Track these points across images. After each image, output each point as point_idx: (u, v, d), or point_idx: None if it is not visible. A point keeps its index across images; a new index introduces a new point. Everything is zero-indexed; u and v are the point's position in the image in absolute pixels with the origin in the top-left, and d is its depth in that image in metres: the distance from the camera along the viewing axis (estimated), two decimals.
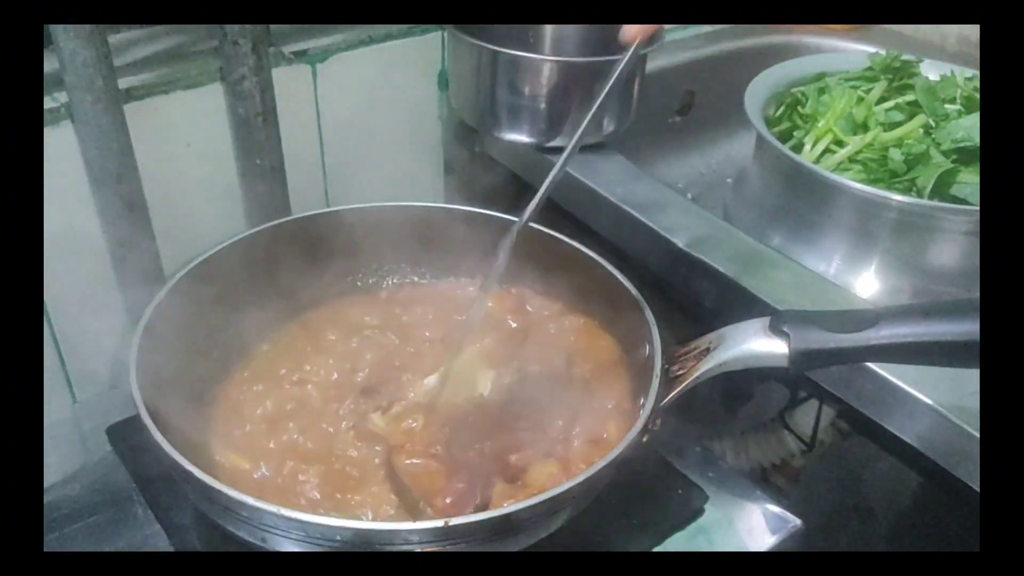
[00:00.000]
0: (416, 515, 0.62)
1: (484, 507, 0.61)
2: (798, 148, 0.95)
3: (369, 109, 1.00)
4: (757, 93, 0.97)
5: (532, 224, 0.79)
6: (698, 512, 0.71)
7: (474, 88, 0.95)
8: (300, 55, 0.92)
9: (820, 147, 0.94)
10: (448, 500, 0.61)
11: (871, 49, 1.17)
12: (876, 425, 0.70)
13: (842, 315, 0.62)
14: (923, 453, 0.67)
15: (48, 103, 0.77)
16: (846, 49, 1.23)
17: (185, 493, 0.63)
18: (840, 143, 0.94)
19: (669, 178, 1.20)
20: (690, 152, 1.26)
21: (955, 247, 0.84)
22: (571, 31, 1.04)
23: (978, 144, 0.86)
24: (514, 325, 0.79)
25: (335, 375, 0.73)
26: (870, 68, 1.01)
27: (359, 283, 0.84)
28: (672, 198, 0.91)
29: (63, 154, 0.78)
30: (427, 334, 0.78)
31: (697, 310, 0.83)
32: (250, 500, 0.53)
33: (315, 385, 0.72)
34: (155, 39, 0.87)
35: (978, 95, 0.94)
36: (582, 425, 0.68)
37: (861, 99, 0.96)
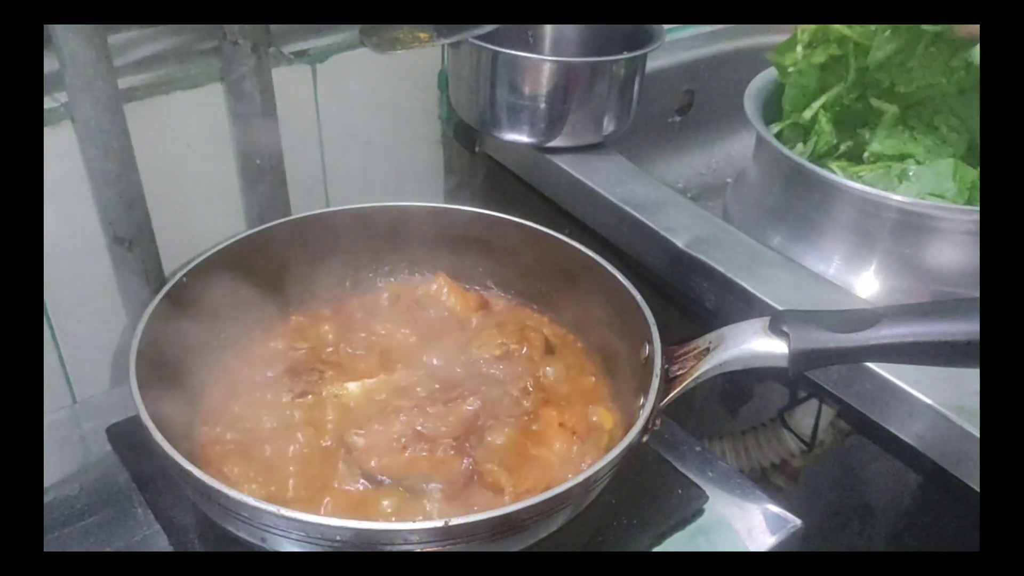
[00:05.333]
0: (422, 498, 0.63)
1: (473, 470, 0.64)
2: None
3: (369, 109, 1.00)
4: (757, 93, 0.98)
5: (531, 224, 0.80)
6: (698, 512, 0.71)
7: (474, 88, 0.95)
8: (300, 55, 0.92)
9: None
10: (441, 474, 0.63)
11: None
12: (876, 425, 0.70)
13: (842, 315, 0.62)
14: (923, 453, 0.67)
15: (48, 103, 0.77)
16: None
17: (185, 493, 0.63)
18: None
19: (669, 178, 1.20)
20: (690, 152, 1.26)
21: (955, 247, 0.84)
22: (571, 31, 1.04)
23: None
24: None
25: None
26: None
27: (358, 283, 0.84)
28: (672, 198, 0.91)
29: (63, 154, 0.78)
30: (373, 338, 0.78)
31: (697, 310, 0.83)
32: (250, 500, 0.53)
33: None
34: (155, 39, 0.87)
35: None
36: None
37: None
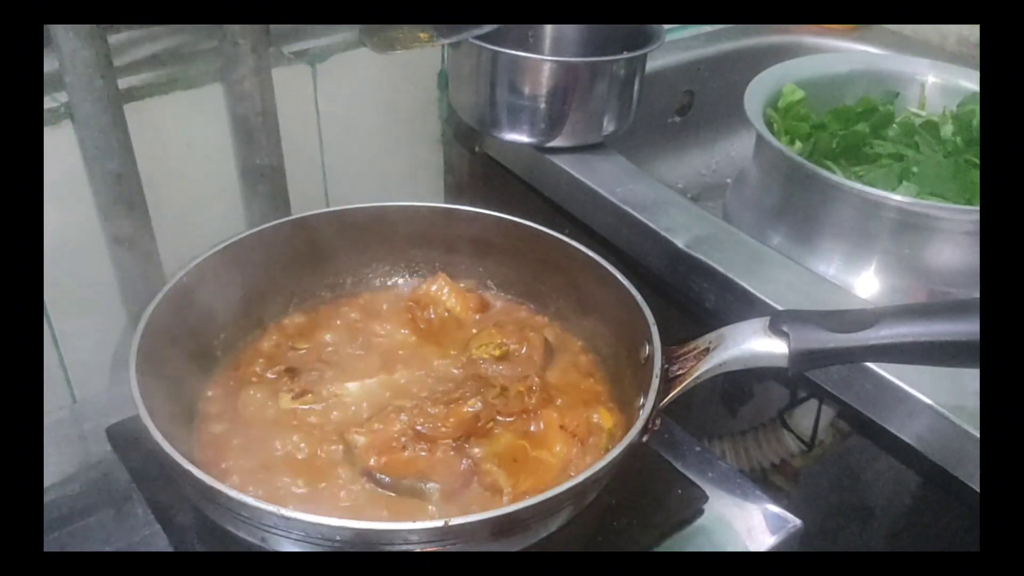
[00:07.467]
0: (420, 497, 0.63)
1: (473, 470, 0.64)
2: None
3: (369, 109, 1.00)
4: (757, 93, 0.98)
5: (531, 224, 0.80)
6: (698, 512, 0.71)
7: (474, 88, 0.95)
8: (300, 55, 0.92)
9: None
10: (441, 474, 0.63)
11: (872, 49, 1.17)
12: (876, 425, 0.70)
13: (842, 315, 0.62)
14: (923, 453, 0.67)
15: (48, 103, 0.77)
16: (846, 49, 1.23)
17: (185, 493, 0.63)
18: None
19: (669, 178, 1.20)
20: (690, 152, 1.26)
21: (955, 247, 0.84)
22: (571, 31, 1.04)
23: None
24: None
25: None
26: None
27: (358, 283, 0.84)
28: (672, 198, 0.91)
29: (63, 154, 0.78)
30: (373, 338, 0.78)
31: (697, 310, 0.83)
32: (250, 500, 0.53)
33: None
34: (155, 39, 0.87)
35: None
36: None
37: None
